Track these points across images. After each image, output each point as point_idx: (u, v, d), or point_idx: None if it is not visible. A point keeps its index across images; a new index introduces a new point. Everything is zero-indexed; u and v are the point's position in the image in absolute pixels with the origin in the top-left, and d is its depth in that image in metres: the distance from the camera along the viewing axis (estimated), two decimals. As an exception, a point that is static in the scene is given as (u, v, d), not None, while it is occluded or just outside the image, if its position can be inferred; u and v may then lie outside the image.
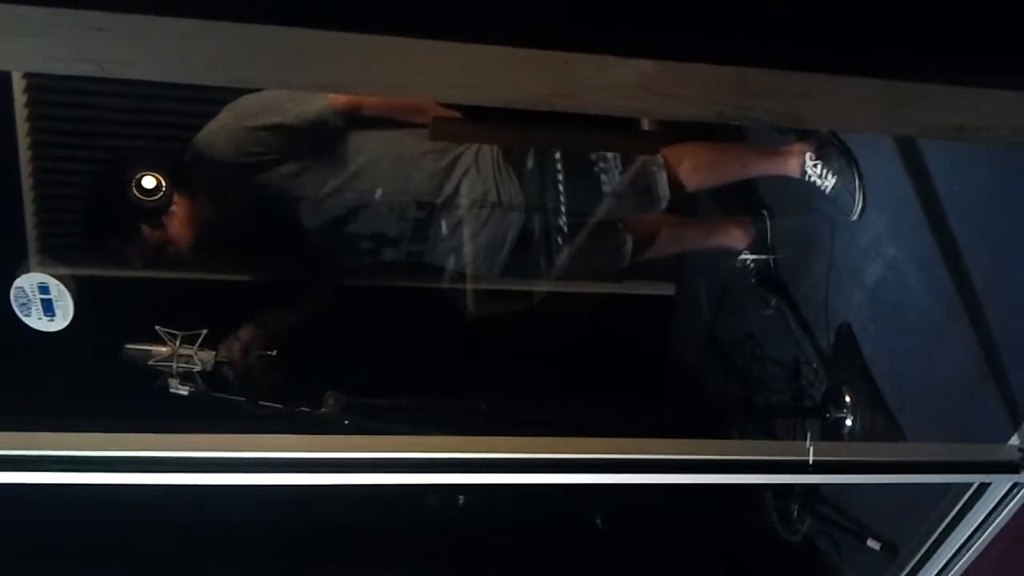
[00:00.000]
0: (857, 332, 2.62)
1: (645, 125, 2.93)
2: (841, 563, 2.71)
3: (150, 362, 2.15)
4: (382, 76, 1.06)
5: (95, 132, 2.92)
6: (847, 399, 2.56)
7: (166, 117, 2.86)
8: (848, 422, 2.55)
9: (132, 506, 2.00)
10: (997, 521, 1.99)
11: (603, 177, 2.57)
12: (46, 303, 1.89)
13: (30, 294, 1.88)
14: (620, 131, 2.46)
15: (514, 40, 1.02)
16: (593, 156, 2.57)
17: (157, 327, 2.16)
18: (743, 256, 2.93)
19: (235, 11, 0.95)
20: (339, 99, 2.37)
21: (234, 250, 2.62)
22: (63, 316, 1.90)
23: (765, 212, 2.91)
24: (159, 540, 2.71)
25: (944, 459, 1.84)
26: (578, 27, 1.06)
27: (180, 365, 2.15)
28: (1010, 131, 1.21)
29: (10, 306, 1.89)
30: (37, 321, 1.91)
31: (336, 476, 1.53)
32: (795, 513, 2.79)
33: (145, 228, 2.35)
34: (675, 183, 2.63)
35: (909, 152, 2.36)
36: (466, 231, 2.54)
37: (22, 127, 2.89)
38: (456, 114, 2.36)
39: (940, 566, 2.15)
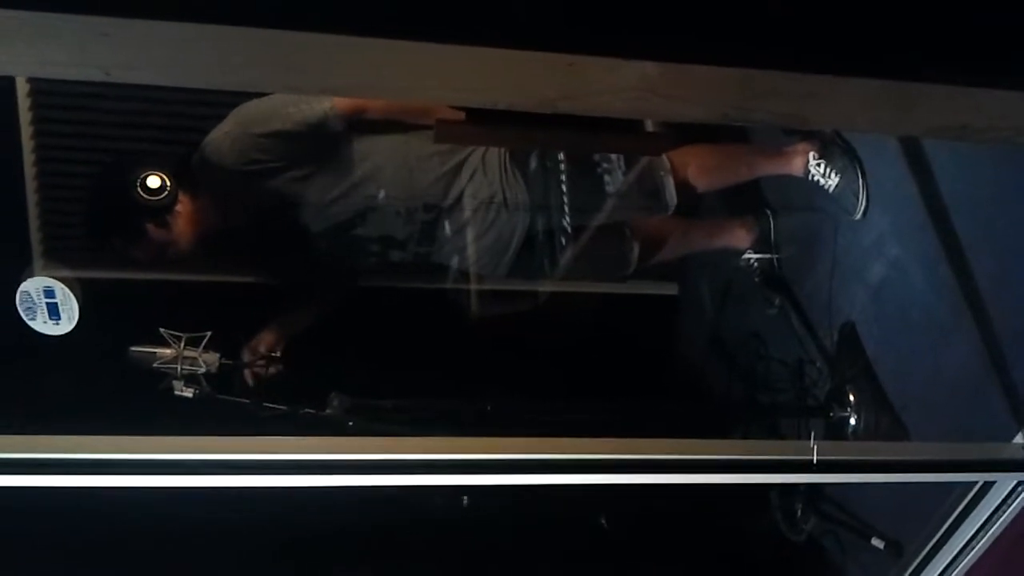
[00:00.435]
0: (861, 331, 2.62)
1: (649, 126, 2.92)
2: (845, 562, 2.71)
3: (155, 364, 2.15)
4: (385, 80, 1.06)
5: (99, 135, 2.93)
6: (851, 398, 2.56)
7: (170, 120, 2.86)
8: (852, 421, 2.54)
9: (133, 507, 2.00)
10: (1002, 519, 1.99)
11: (607, 178, 2.57)
12: (51, 307, 1.89)
13: (35, 298, 1.88)
14: (624, 133, 2.45)
15: (518, 43, 1.02)
16: (597, 157, 2.57)
17: (161, 329, 2.16)
18: (747, 256, 2.93)
19: (239, 15, 0.95)
20: (343, 102, 2.38)
21: (240, 253, 2.63)
22: (68, 320, 1.91)
23: (769, 212, 2.90)
24: (160, 541, 2.71)
25: (948, 458, 1.84)
26: (582, 29, 1.06)
27: (184, 367, 2.15)
28: (1013, 131, 1.21)
29: (16, 310, 1.89)
30: (43, 325, 1.91)
31: (340, 478, 1.53)
32: (799, 512, 2.79)
33: (150, 227, 2.36)
34: (682, 187, 2.63)
35: (913, 151, 2.36)
36: (472, 233, 2.54)
37: (26, 131, 2.90)
38: (460, 116, 2.36)
39: (944, 564, 2.15)
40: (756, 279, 2.93)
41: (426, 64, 1.03)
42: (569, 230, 2.58)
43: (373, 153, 2.45)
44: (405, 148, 2.48)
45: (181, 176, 2.36)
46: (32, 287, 1.89)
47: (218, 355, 2.26)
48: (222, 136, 2.38)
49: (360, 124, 2.44)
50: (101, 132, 2.92)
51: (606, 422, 2.46)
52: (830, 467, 1.71)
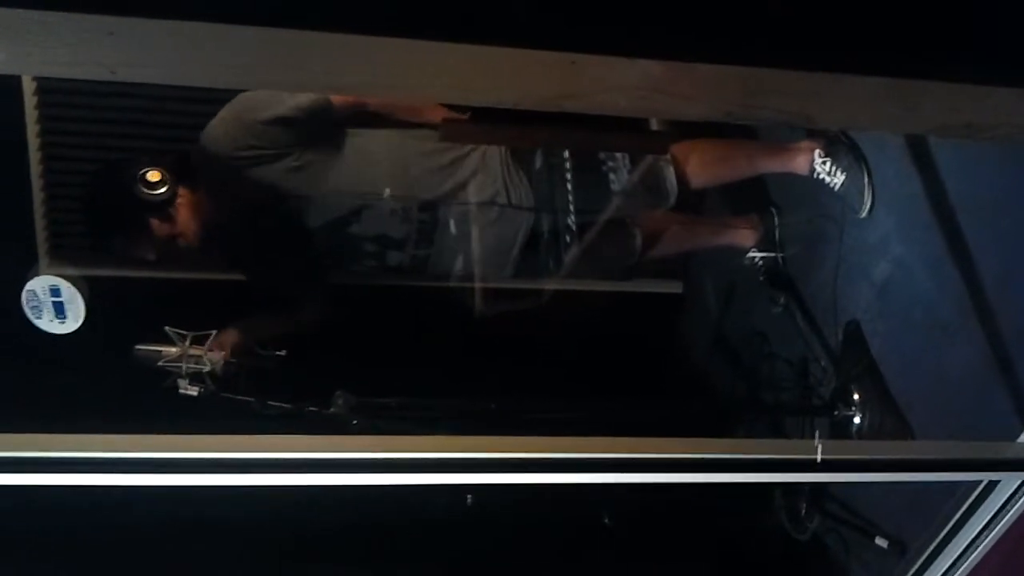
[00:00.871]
0: (866, 330, 2.61)
1: (653, 124, 2.93)
2: (849, 561, 2.71)
3: (160, 363, 2.15)
4: (388, 78, 1.06)
5: (105, 133, 2.93)
6: (856, 397, 2.56)
7: (176, 118, 2.87)
8: (857, 420, 2.54)
9: (138, 505, 2.01)
10: (1006, 518, 1.99)
11: (612, 176, 2.57)
12: (57, 305, 1.90)
13: (42, 297, 1.88)
14: (628, 131, 2.46)
15: (521, 41, 1.02)
16: (602, 155, 2.57)
17: (167, 328, 2.17)
18: (751, 254, 2.93)
19: (242, 14, 0.96)
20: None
21: (240, 247, 2.62)
22: (74, 318, 1.91)
23: (773, 210, 2.90)
24: (164, 539, 2.72)
25: (953, 457, 1.83)
26: (585, 28, 1.06)
27: (190, 366, 2.16)
28: (1018, 129, 1.21)
29: (22, 309, 1.90)
30: (48, 324, 1.92)
31: (345, 476, 1.53)
32: (803, 511, 2.79)
33: (154, 222, 2.36)
34: (683, 179, 2.62)
35: (918, 150, 2.35)
36: (475, 232, 2.53)
37: (32, 129, 2.90)
38: (460, 115, 2.36)
39: (948, 563, 2.15)
40: (761, 277, 2.93)
41: (429, 63, 1.03)
42: (573, 228, 2.57)
43: (370, 149, 2.45)
44: (402, 145, 2.48)
45: (180, 169, 2.36)
46: (38, 286, 1.89)
47: (223, 353, 2.26)
48: (217, 124, 2.38)
49: (358, 117, 2.44)
50: (107, 130, 2.94)
51: (610, 421, 2.46)
52: (834, 466, 1.71)
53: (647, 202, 2.67)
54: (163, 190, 2.31)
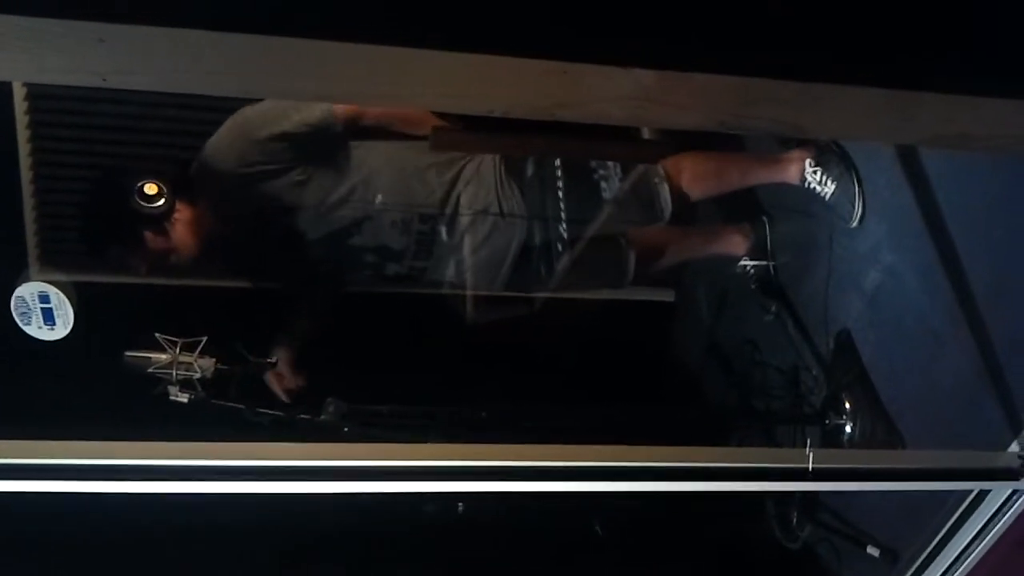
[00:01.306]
0: (857, 338, 2.62)
1: (646, 133, 2.93)
2: (841, 570, 2.71)
3: (150, 369, 2.14)
4: (381, 86, 1.06)
5: (95, 140, 2.92)
6: (847, 406, 2.56)
7: (167, 125, 2.86)
8: (848, 429, 2.54)
9: (128, 512, 1.99)
10: (997, 528, 1.99)
11: (603, 184, 2.57)
12: (46, 312, 1.88)
13: (30, 303, 1.87)
14: (621, 140, 2.46)
15: (515, 50, 1.02)
16: (593, 164, 2.57)
17: (157, 334, 2.16)
18: (743, 262, 2.93)
19: (235, 22, 0.95)
20: (341, 106, 2.38)
21: (239, 259, 2.62)
22: (63, 325, 1.90)
23: (765, 219, 2.91)
24: (154, 547, 2.71)
25: (944, 466, 1.84)
26: (578, 37, 1.06)
27: (180, 372, 2.15)
28: (1012, 139, 1.21)
29: (10, 315, 1.89)
30: (37, 330, 1.90)
31: (336, 484, 1.53)
32: (795, 520, 2.79)
33: (148, 235, 2.35)
34: (677, 195, 2.63)
35: (909, 159, 2.36)
36: (468, 244, 2.53)
37: (23, 135, 2.89)
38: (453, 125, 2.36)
39: (939, 573, 2.15)
40: (752, 286, 2.93)
41: (422, 71, 1.03)
42: (566, 238, 2.57)
43: (370, 162, 2.45)
44: (402, 158, 2.47)
45: (178, 183, 2.35)
46: (27, 292, 1.88)
47: (214, 360, 2.25)
48: (219, 140, 2.38)
49: (358, 130, 2.44)
50: (98, 137, 2.92)
51: (602, 429, 2.45)
52: (825, 475, 1.71)
53: (641, 219, 2.67)
54: (160, 203, 2.30)
